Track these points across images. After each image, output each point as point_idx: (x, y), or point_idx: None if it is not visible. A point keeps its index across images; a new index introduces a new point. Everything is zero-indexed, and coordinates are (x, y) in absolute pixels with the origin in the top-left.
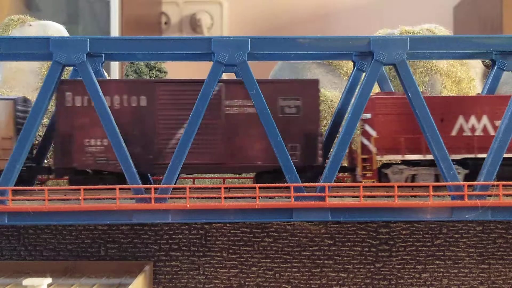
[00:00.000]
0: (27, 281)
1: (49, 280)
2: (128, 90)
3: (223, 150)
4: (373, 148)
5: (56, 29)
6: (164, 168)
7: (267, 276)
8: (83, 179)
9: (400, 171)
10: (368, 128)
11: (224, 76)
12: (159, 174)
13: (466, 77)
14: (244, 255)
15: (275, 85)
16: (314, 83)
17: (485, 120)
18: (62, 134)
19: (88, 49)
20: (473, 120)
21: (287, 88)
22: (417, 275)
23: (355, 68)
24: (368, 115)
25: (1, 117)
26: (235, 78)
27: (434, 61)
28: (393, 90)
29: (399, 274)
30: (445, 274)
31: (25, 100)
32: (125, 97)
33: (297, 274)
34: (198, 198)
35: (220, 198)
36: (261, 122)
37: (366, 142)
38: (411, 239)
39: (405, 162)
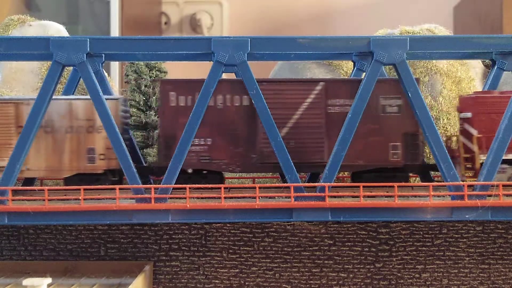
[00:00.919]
0: (27, 281)
1: (49, 280)
2: (231, 90)
3: (326, 149)
4: (475, 147)
5: (56, 29)
6: (268, 167)
7: (267, 276)
8: (188, 178)
9: (503, 170)
10: (468, 127)
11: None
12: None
13: (466, 77)
14: (244, 255)
15: (376, 84)
16: (416, 82)
17: None
18: (166, 134)
19: (88, 49)
20: None
21: (388, 87)
22: (417, 275)
23: (355, 68)
24: (469, 114)
25: None
26: (339, 77)
27: (434, 61)
28: None
29: (399, 274)
30: (445, 274)
31: (125, 100)
32: (228, 96)
33: (297, 274)
34: (198, 198)
35: (220, 198)
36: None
37: (466, 141)
38: (411, 239)
39: (508, 161)
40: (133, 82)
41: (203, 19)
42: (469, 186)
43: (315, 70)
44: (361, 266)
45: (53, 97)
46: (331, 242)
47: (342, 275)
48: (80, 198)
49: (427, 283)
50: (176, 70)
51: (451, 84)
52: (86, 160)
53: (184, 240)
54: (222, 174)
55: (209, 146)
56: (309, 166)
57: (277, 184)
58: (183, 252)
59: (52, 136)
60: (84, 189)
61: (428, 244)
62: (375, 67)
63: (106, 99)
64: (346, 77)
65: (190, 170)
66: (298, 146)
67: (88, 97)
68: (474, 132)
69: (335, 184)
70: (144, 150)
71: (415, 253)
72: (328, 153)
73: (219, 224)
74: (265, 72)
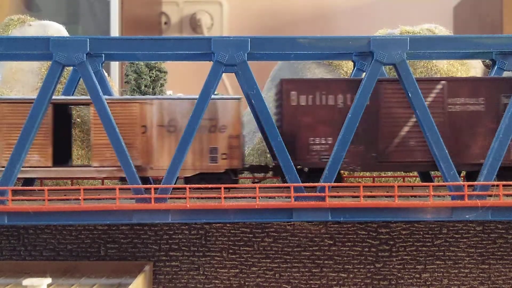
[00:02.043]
0: (27, 281)
1: (49, 280)
2: (351, 89)
3: (446, 148)
4: None
5: (56, 29)
6: (389, 166)
7: (267, 276)
8: (307, 177)
9: None
10: None
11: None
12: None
13: None
14: (244, 255)
15: (497, 83)
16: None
17: None
18: (286, 133)
19: (88, 49)
20: None
21: (510, 86)
22: (417, 275)
23: (355, 68)
24: None
25: (229, 116)
26: (460, 76)
27: (434, 61)
28: None
29: (399, 274)
30: (445, 274)
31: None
32: (349, 95)
33: (297, 274)
34: (198, 198)
35: (220, 198)
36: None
37: None
38: (411, 239)
39: None
40: (133, 82)
41: (203, 19)
42: (469, 186)
43: (315, 70)
44: (361, 266)
45: (176, 96)
46: (331, 242)
47: (342, 275)
48: (80, 198)
49: (427, 283)
50: (176, 70)
51: None
52: (208, 159)
53: (184, 240)
54: (340, 173)
55: (330, 145)
56: (430, 165)
57: (277, 184)
58: (183, 252)
59: (175, 135)
60: (84, 189)
61: (428, 244)
62: (375, 67)
63: (227, 99)
64: (467, 76)
65: (305, 169)
66: (418, 145)
67: (212, 96)
68: None
69: (335, 184)
70: None
71: (415, 253)
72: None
73: (219, 224)
74: (265, 72)
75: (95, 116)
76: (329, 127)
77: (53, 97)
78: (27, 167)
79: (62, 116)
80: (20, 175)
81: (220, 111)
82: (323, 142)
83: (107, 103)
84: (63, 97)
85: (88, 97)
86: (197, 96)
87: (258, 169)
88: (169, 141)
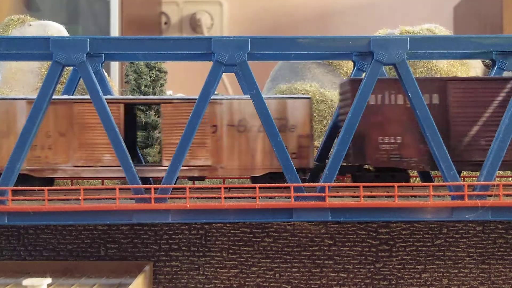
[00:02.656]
0: (27, 281)
1: (49, 280)
2: (421, 89)
3: None
4: None
5: (56, 29)
6: (458, 165)
7: (267, 276)
8: (376, 177)
9: None
10: None
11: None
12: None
13: None
14: (244, 255)
15: None
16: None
17: None
18: (357, 133)
19: (88, 49)
20: None
21: None
22: (417, 275)
23: (355, 68)
24: None
25: (299, 116)
26: None
27: (434, 61)
28: None
29: (399, 274)
30: (445, 274)
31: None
32: None
33: (297, 274)
34: (198, 198)
35: (220, 198)
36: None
37: None
38: (411, 239)
39: None
40: (133, 82)
41: (203, 19)
42: (469, 186)
43: (315, 70)
44: (361, 266)
45: (245, 97)
46: (331, 242)
47: (342, 275)
48: (80, 198)
49: (427, 283)
50: (177, 70)
51: None
52: (276, 158)
53: (184, 240)
54: (408, 173)
55: (399, 144)
56: (503, 165)
57: (277, 184)
58: (183, 252)
59: (245, 135)
60: (84, 189)
61: (428, 244)
62: (375, 67)
63: (296, 99)
64: None
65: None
66: (488, 144)
67: (281, 96)
68: None
69: (335, 184)
70: (144, 150)
71: (415, 253)
72: None
73: (219, 224)
74: (265, 72)
75: (165, 116)
76: (398, 126)
77: (123, 97)
78: (100, 166)
79: (130, 116)
80: (94, 175)
81: (289, 110)
82: (393, 141)
83: (179, 103)
84: (131, 97)
85: (158, 97)
86: (269, 97)
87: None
88: (239, 141)
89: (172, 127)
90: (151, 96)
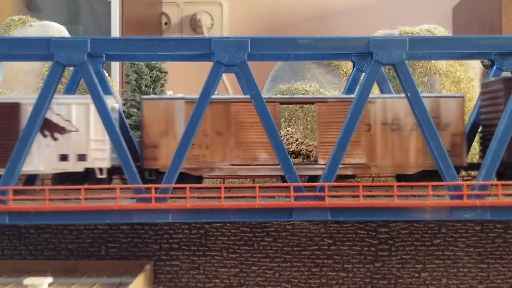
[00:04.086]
0: (28, 281)
1: (50, 279)
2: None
3: None
4: None
5: (57, 30)
6: None
7: (267, 275)
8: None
9: None
10: None
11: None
12: None
13: (465, 77)
14: (244, 255)
15: None
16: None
17: None
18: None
19: (89, 50)
20: None
21: None
22: (416, 275)
23: (355, 69)
24: None
25: (452, 114)
26: None
27: (433, 61)
28: (392, 91)
29: (398, 274)
30: (444, 274)
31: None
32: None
33: (297, 273)
34: (198, 197)
35: (220, 197)
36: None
37: None
38: (410, 239)
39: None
40: (133, 82)
41: (203, 20)
42: (468, 185)
43: (315, 71)
44: (361, 265)
45: (399, 95)
46: (331, 241)
47: (342, 274)
48: (80, 198)
49: (426, 282)
50: (177, 70)
51: (450, 85)
52: (430, 157)
53: (185, 240)
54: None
55: None
56: None
57: (277, 184)
58: (184, 251)
59: (398, 133)
60: (85, 189)
61: (427, 243)
62: (375, 68)
63: (449, 97)
64: None
65: None
66: None
67: (434, 95)
68: None
69: (335, 183)
70: None
71: (414, 252)
72: None
73: (219, 224)
74: (265, 72)
75: (321, 114)
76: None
77: (279, 96)
78: (257, 165)
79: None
80: (249, 173)
81: (443, 109)
82: None
83: (333, 102)
84: (287, 96)
85: (312, 96)
86: (425, 95)
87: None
88: (392, 139)
89: (327, 125)
90: (306, 96)
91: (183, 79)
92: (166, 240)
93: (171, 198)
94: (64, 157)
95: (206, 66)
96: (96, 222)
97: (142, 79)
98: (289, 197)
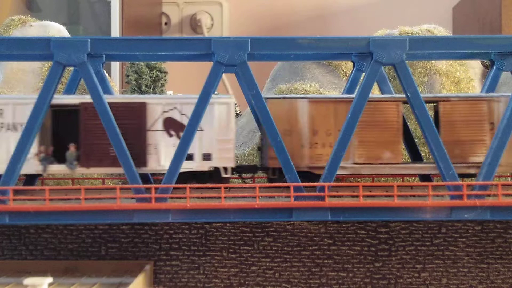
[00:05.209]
0: (28, 281)
1: (50, 279)
2: None
3: None
4: None
5: (57, 30)
6: None
7: (267, 275)
8: None
9: None
10: None
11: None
12: None
13: (465, 77)
14: (244, 255)
15: None
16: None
17: None
18: None
19: (89, 50)
20: None
21: None
22: (416, 275)
23: (355, 69)
24: None
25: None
26: None
27: (433, 61)
28: (392, 91)
29: (398, 274)
30: (444, 274)
31: None
32: None
33: (297, 273)
34: (198, 197)
35: (220, 197)
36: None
37: None
38: (410, 239)
39: None
40: (133, 83)
41: (203, 20)
42: (468, 185)
43: (315, 71)
44: (361, 265)
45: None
46: (331, 241)
47: (342, 274)
48: (80, 198)
49: (426, 282)
50: (177, 70)
51: (450, 85)
52: None
53: (185, 240)
54: None
55: None
56: None
57: (277, 184)
58: (184, 251)
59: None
60: (85, 189)
61: (427, 243)
62: (375, 68)
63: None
64: None
65: None
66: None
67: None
68: None
69: (335, 184)
70: None
71: (414, 252)
72: None
73: (219, 224)
74: (265, 72)
75: (444, 114)
76: None
77: (399, 95)
78: (380, 163)
79: None
80: (371, 172)
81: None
82: None
83: (456, 101)
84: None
85: (434, 94)
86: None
87: None
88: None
89: (451, 124)
90: (428, 94)
91: (183, 79)
92: (166, 240)
93: (171, 198)
94: (189, 157)
95: (206, 66)
96: (96, 222)
97: (142, 79)
98: (289, 197)
